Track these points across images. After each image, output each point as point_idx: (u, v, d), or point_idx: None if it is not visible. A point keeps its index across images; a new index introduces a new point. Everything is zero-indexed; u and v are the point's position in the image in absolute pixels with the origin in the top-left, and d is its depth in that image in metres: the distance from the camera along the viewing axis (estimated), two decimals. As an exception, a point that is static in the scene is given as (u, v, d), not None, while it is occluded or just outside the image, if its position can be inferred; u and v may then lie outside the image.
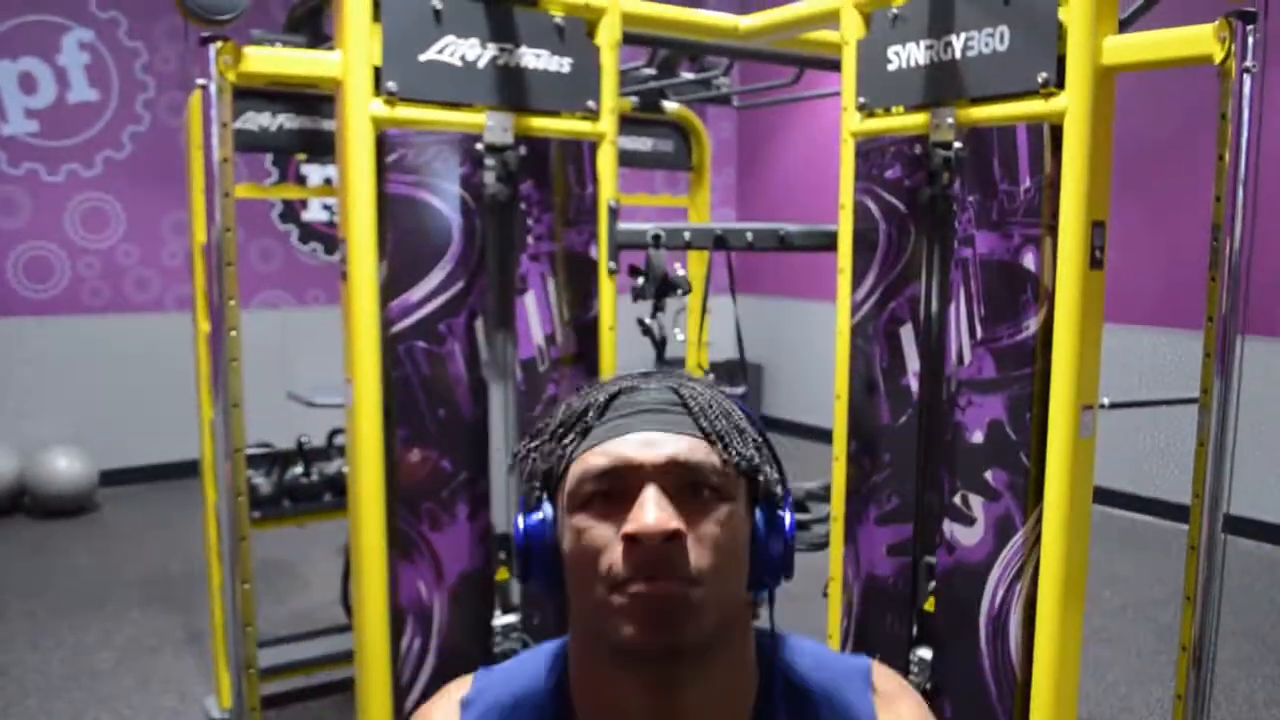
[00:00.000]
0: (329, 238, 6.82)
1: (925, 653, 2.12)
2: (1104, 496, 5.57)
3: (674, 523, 0.79)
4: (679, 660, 0.82)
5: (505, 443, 2.24)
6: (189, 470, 4.05)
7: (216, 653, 3.37)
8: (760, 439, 0.90)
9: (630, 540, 0.79)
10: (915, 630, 2.16)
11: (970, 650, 2.03)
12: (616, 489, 0.82)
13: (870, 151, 2.18)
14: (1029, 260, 1.90)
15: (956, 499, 2.04)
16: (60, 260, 6.14)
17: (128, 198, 6.29)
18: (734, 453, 0.85)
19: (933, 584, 2.12)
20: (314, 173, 6.63)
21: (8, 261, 6.01)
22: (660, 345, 2.40)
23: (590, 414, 0.87)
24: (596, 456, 0.84)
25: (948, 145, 2.00)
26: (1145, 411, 5.61)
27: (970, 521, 2.02)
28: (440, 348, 2.13)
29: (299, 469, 3.35)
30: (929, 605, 2.13)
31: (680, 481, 0.82)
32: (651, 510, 0.79)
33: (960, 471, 2.03)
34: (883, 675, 0.96)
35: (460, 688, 0.95)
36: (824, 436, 2.37)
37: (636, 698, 0.84)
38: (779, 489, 0.89)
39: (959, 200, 2.00)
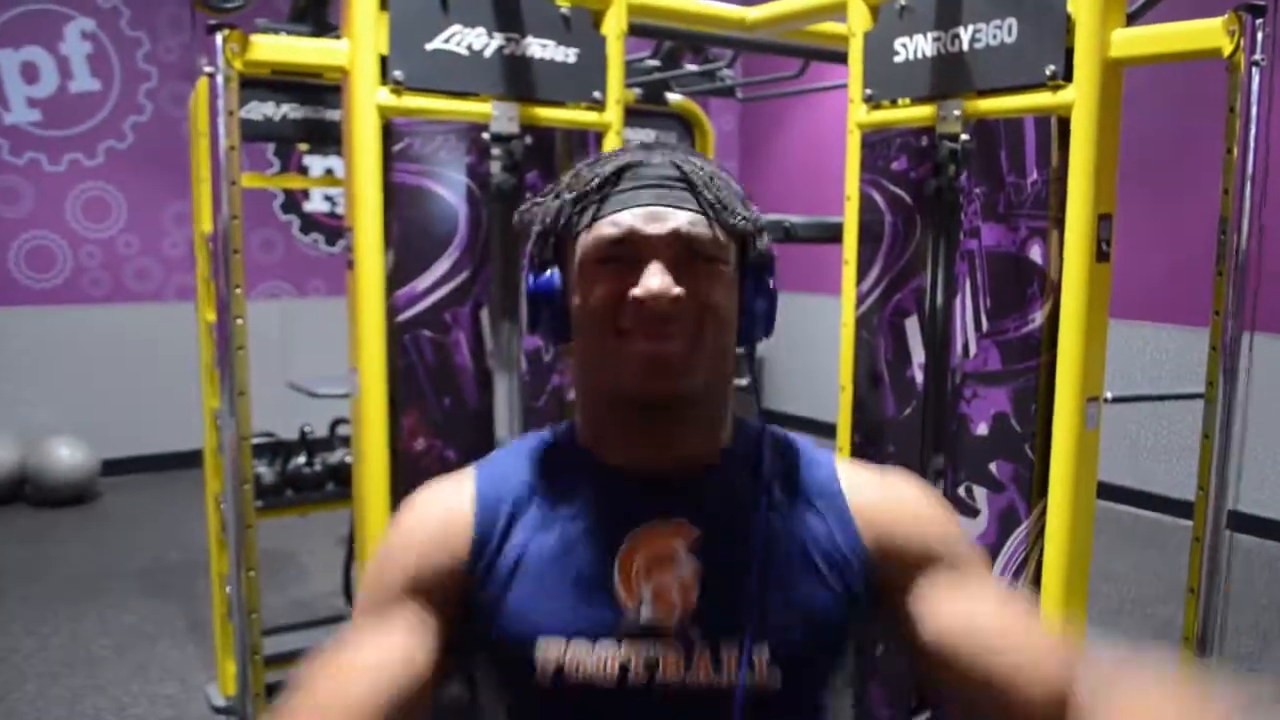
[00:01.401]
0: (330, 228, 6.82)
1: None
2: (1103, 491, 5.55)
3: (675, 289, 0.91)
4: (675, 404, 0.95)
5: (510, 433, 2.24)
6: (190, 460, 4.05)
7: (217, 640, 3.38)
8: (752, 210, 0.99)
9: (637, 301, 0.91)
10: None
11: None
12: (625, 255, 0.92)
13: (876, 143, 2.18)
14: (1035, 253, 1.90)
15: (960, 491, 2.04)
16: (62, 250, 6.14)
17: (129, 188, 6.28)
18: (730, 223, 0.95)
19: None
20: (316, 163, 6.62)
21: (9, 251, 6.01)
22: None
23: (599, 184, 0.95)
24: (606, 226, 0.93)
25: (954, 137, 1.99)
26: (1145, 407, 5.62)
27: (974, 513, 2.02)
28: (446, 337, 2.13)
29: (301, 459, 3.36)
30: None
31: (682, 251, 0.93)
32: (657, 277, 0.90)
33: (964, 463, 2.03)
34: (846, 468, 1.06)
35: (459, 471, 1.06)
36: (828, 431, 2.37)
37: (635, 429, 0.97)
38: (766, 255, 0.99)
39: (965, 192, 2.00)
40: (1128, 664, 0.85)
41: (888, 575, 0.98)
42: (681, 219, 0.93)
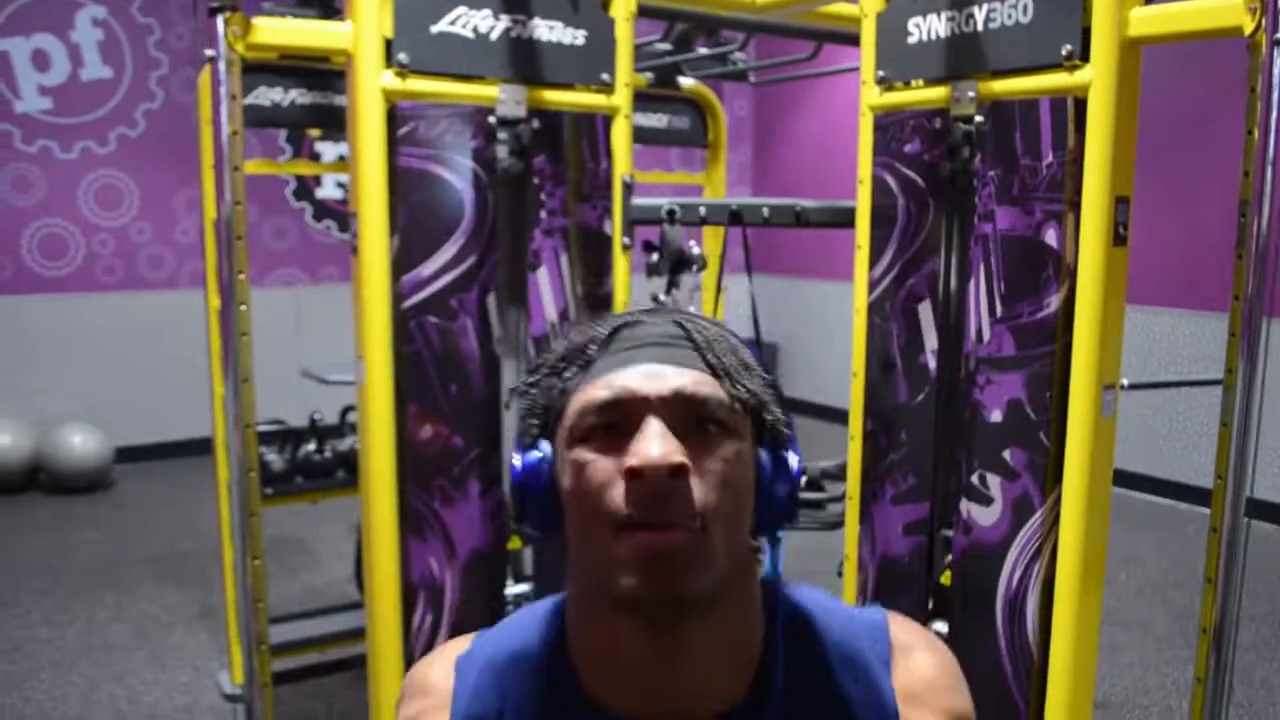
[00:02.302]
0: (343, 215, 6.81)
1: (941, 626, 2.10)
2: (1120, 478, 5.51)
3: (678, 456, 0.75)
4: (684, 610, 0.78)
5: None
6: (204, 447, 4.07)
7: (230, 628, 3.38)
8: (767, 377, 0.87)
9: (633, 475, 0.75)
10: (931, 604, 2.14)
11: (987, 631, 2.01)
12: (619, 422, 0.79)
13: (889, 126, 2.14)
14: (1050, 236, 1.86)
15: (974, 478, 2.01)
16: (74, 238, 6.15)
17: (141, 175, 6.29)
18: (741, 388, 0.82)
19: (949, 558, 2.09)
20: (328, 150, 6.62)
21: (22, 239, 6.02)
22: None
23: (592, 347, 0.84)
24: (598, 389, 0.80)
25: (969, 119, 1.96)
26: (1162, 393, 5.57)
27: (988, 501, 1.99)
28: (452, 323, 2.11)
29: (311, 446, 3.35)
30: (945, 579, 2.11)
31: (685, 416, 0.79)
32: (655, 443, 0.75)
33: (978, 451, 2.00)
34: (900, 626, 0.92)
35: (458, 646, 0.92)
36: (841, 417, 2.35)
37: (638, 647, 0.80)
38: (785, 429, 0.85)
39: (979, 175, 1.97)
40: None
41: None
42: (686, 378, 0.80)
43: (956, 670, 0.92)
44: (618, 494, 0.76)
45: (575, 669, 0.85)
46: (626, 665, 0.82)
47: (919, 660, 0.89)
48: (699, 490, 0.77)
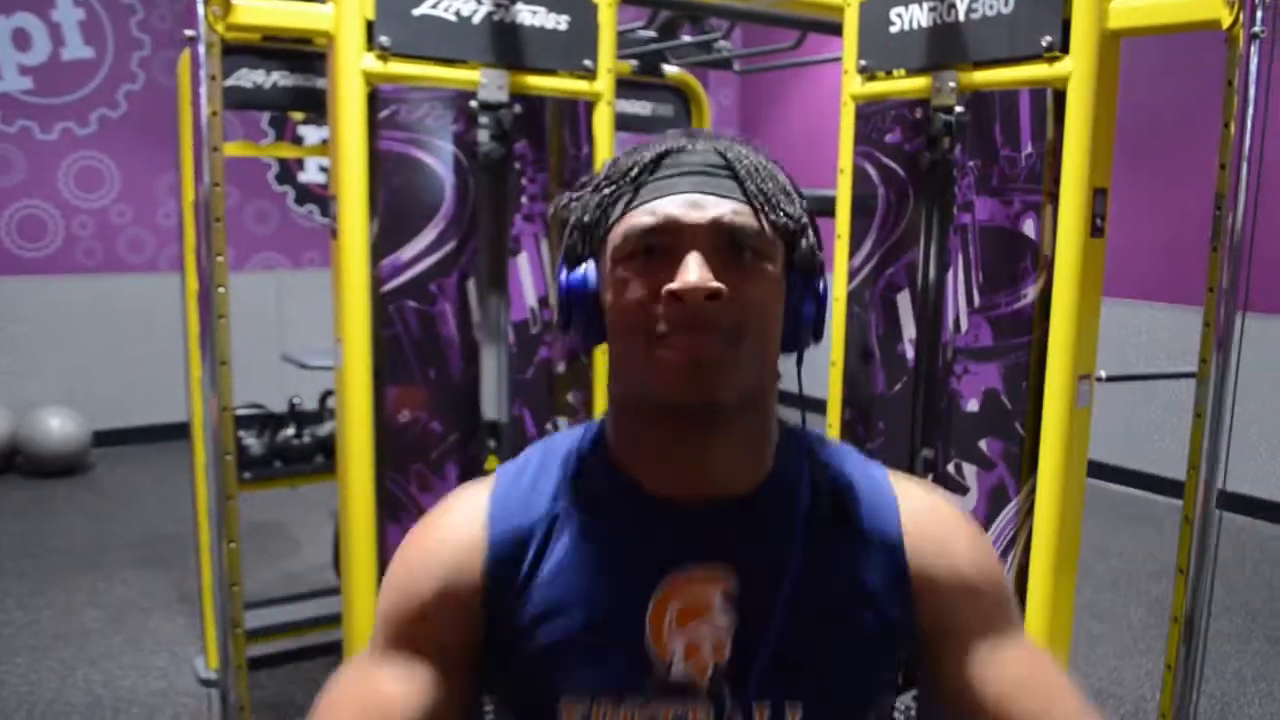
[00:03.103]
0: (325, 200, 6.77)
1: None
2: (1097, 470, 5.57)
3: (715, 283, 0.82)
4: (713, 413, 0.86)
5: (496, 405, 2.22)
6: (183, 432, 4.05)
7: (206, 612, 3.37)
8: (802, 205, 0.91)
9: (673, 297, 0.82)
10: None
11: (961, 620, 2.02)
12: (661, 246, 0.85)
13: (870, 115, 2.15)
14: (1029, 227, 1.87)
15: (950, 467, 2.02)
16: (54, 219, 6.10)
17: (122, 157, 6.23)
18: (780, 214, 0.87)
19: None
20: (311, 134, 6.57)
21: (1, 220, 5.97)
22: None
23: (637, 171, 0.88)
24: (643, 215, 0.86)
25: (949, 109, 1.96)
26: (1140, 386, 5.60)
27: (964, 490, 2.00)
28: (431, 308, 2.11)
29: (290, 430, 3.34)
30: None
31: (723, 243, 0.85)
32: (695, 270, 0.82)
33: (955, 440, 2.02)
34: (897, 476, 1.00)
35: (483, 481, 0.99)
36: (821, 409, 2.35)
37: (671, 443, 0.89)
38: (817, 254, 0.91)
39: (959, 165, 1.97)
40: None
41: (934, 638, 0.93)
42: (725, 208, 0.85)
43: (964, 512, 1.01)
44: (657, 310, 0.84)
45: (614, 462, 0.93)
46: (662, 459, 0.90)
47: (920, 491, 1.00)
48: (733, 311, 0.84)
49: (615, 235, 0.87)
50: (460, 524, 0.93)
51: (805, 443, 0.97)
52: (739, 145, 0.91)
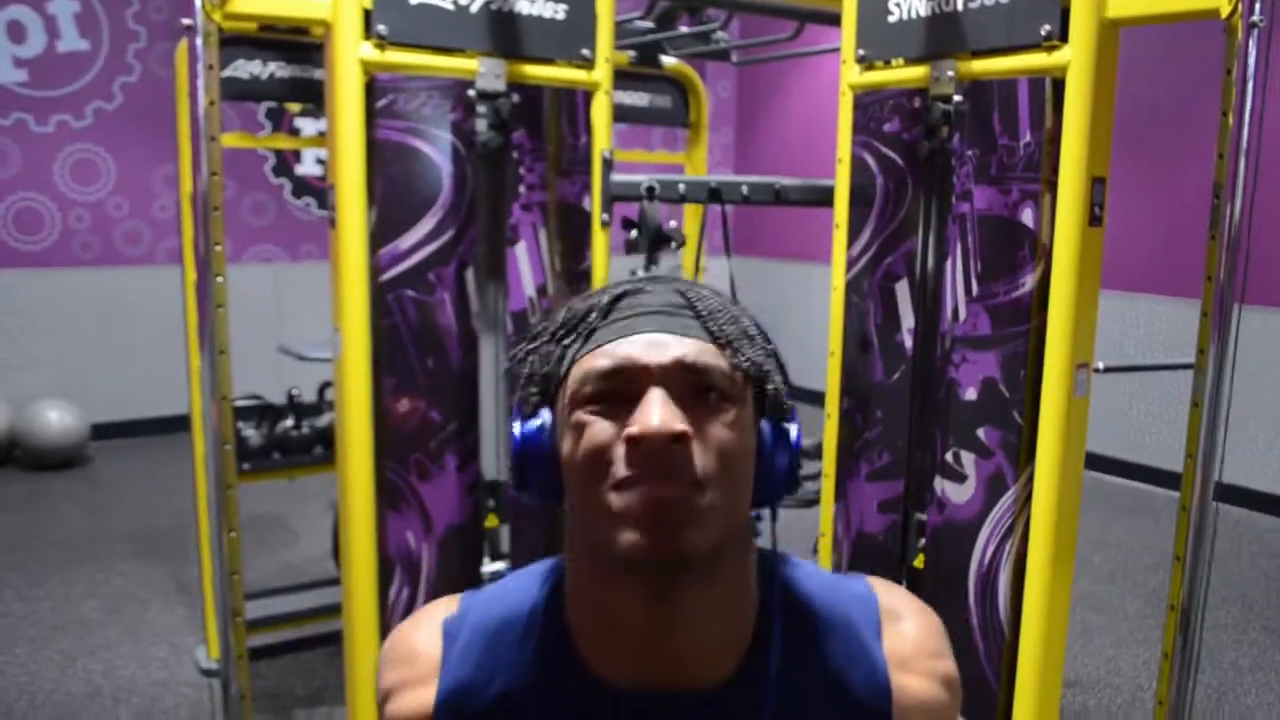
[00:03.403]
0: (322, 192, 6.77)
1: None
2: (1096, 462, 5.58)
3: (679, 424, 0.76)
4: (681, 570, 0.78)
5: (495, 394, 2.23)
6: (180, 424, 4.05)
7: (206, 602, 3.37)
8: (769, 347, 0.87)
9: (634, 441, 0.76)
10: (904, 586, 2.15)
11: (959, 608, 2.02)
12: (620, 391, 0.79)
13: (869, 105, 2.15)
14: (1027, 216, 1.88)
15: (948, 456, 2.03)
16: (50, 212, 6.09)
17: (118, 149, 6.22)
18: (743, 357, 0.82)
19: (923, 541, 2.11)
20: (308, 126, 6.57)
21: (-3, 212, 5.97)
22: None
23: (593, 315, 0.84)
24: (600, 358, 0.80)
25: (948, 99, 1.96)
26: (1138, 378, 5.62)
27: (962, 479, 2.01)
28: (430, 297, 2.11)
29: (289, 422, 3.34)
30: (918, 562, 2.13)
31: (686, 384, 0.79)
32: (656, 411, 0.76)
33: (953, 429, 2.02)
34: (885, 592, 0.93)
35: (446, 608, 0.92)
36: (820, 400, 2.36)
37: (635, 609, 0.81)
38: (786, 400, 0.86)
39: (958, 155, 1.98)
40: None
41: None
42: (688, 347, 0.80)
43: (943, 633, 0.93)
44: (619, 456, 0.77)
45: (571, 637, 0.85)
46: (623, 632, 0.82)
47: (907, 626, 0.91)
48: (699, 456, 0.77)
49: (571, 381, 0.81)
50: (406, 687, 0.89)
51: (779, 594, 0.88)
52: (700, 286, 0.87)
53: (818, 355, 2.46)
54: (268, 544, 4.52)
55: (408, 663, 0.89)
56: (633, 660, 0.82)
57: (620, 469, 0.77)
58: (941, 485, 2.04)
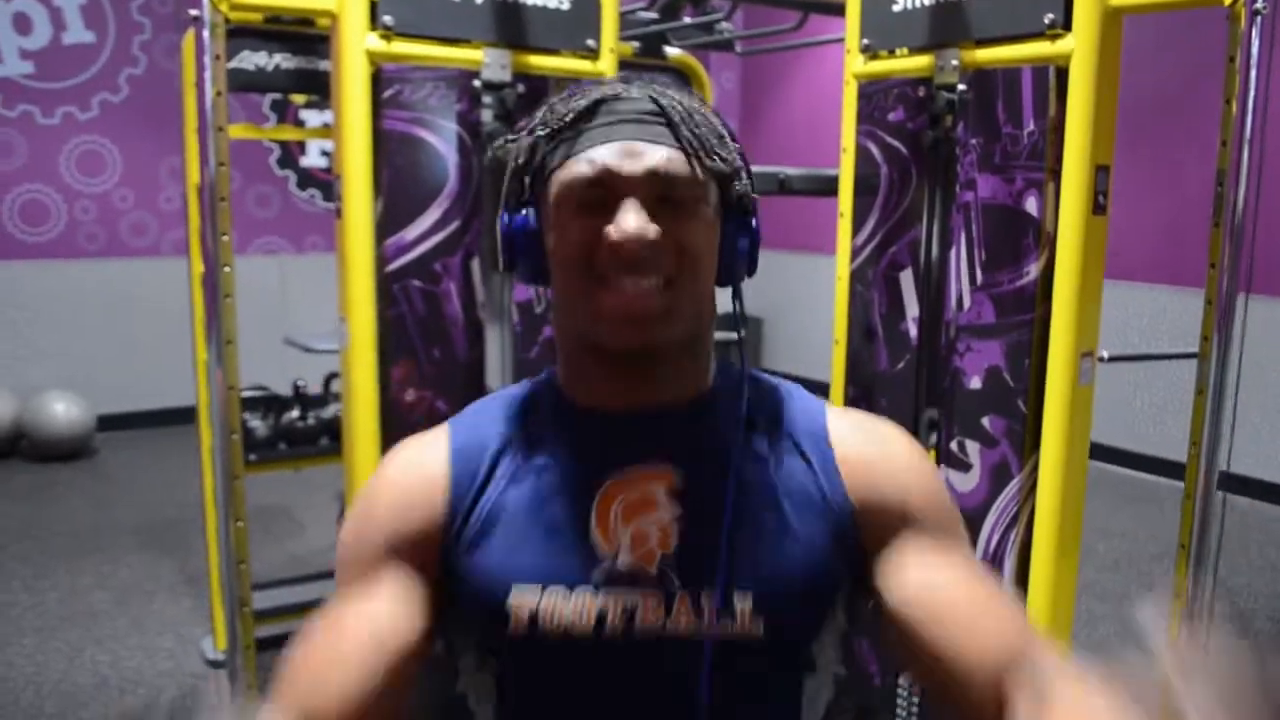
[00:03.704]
0: (327, 184, 6.77)
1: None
2: (1101, 453, 5.58)
3: (652, 231, 0.87)
4: (651, 355, 0.93)
5: (501, 384, 2.23)
6: (186, 416, 4.07)
7: (213, 593, 3.39)
8: (735, 148, 0.95)
9: (613, 245, 0.87)
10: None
11: (963, 596, 2.03)
12: (599, 195, 0.89)
13: (873, 94, 2.15)
14: (1031, 205, 1.88)
15: (953, 445, 2.03)
16: (56, 204, 6.10)
17: (124, 141, 6.23)
18: (715, 158, 0.91)
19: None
20: (313, 118, 6.57)
21: (3, 204, 5.97)
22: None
23: (574, 118, 0.91)
24: (581, 164, 0.89)
25: (951, 88, 1.97)
26: (1144, 368, 5.61)
27: (966, 468, 2.01)
28: (436, 287, 2.12)
29: (295, 413, 3.35)
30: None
31: (658, 190, 0.89)
32: (632, 218, 0.87)
33: (957, 417, 2.02)
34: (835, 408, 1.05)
35: (435, 431, 1.03)
36: (825, 391, 2.36)
37: (614, 376, 0.95)
38: (750, 195, 0.96)
39: (962, 144, 1.98)
40: (1068, 670, 0.85)
41: (867, 530, 0.95)
42: (659, 155, 0.89)
43: (897, 431, 1.03)
44: (599, 253, 0.88)
45: (564, 390, 1.00)
46: (605, 386, 0.96)
47: (852, 412, 1.05)
48: (669, 251, 0.89)
49: (555, 182, 0.91)
50: (423, 454, 0.99)
51: (744, 369, 1.01)
52: (673, 91, 0.94)
53: (823, 346, 2.47)
54: (274, 535, 4.53)
55: (414, 443, 1.01)
56: (615, 398, 0.96)
57: (600, 264, 0.88)
58: (946, 474, 2.05)
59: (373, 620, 0.91)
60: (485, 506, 0.94)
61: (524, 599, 0.90)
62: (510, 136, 0.99)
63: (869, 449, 0.98)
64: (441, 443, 0.99)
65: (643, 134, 0.90)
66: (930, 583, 0.91)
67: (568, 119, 0.91)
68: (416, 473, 0.97)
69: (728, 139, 0.95)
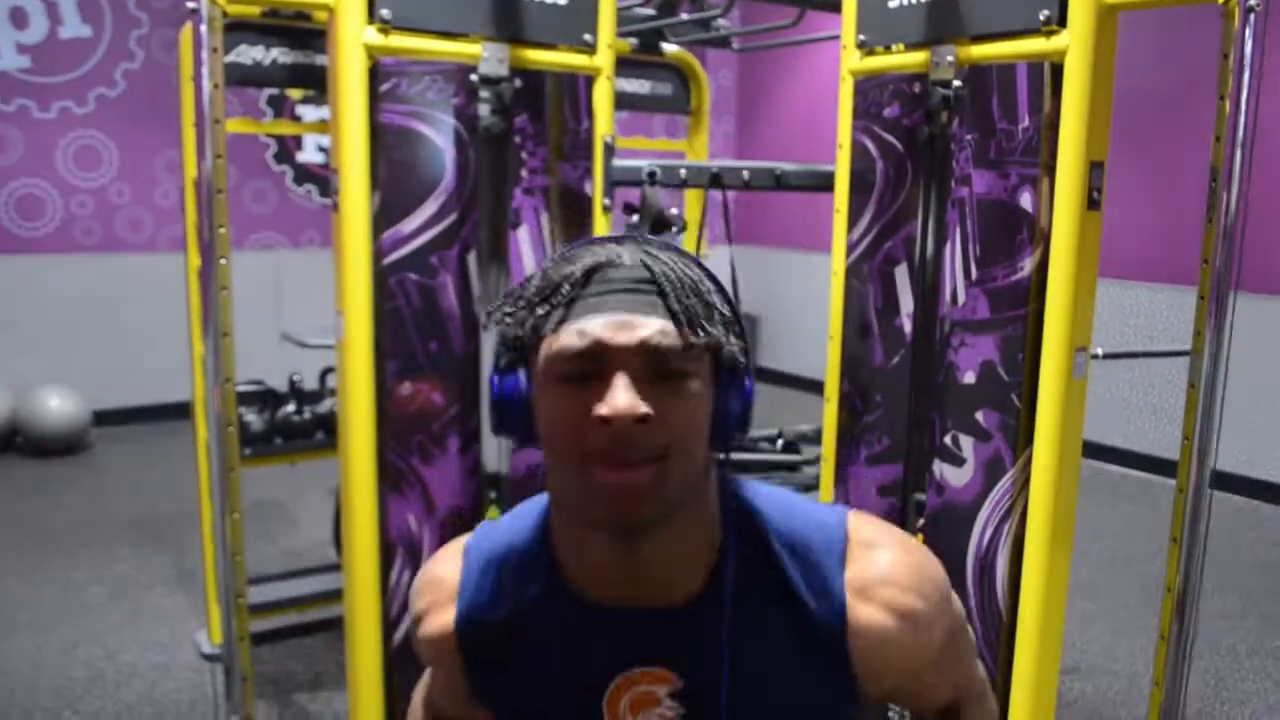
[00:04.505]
0: (323, 180, 6.78)
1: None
2: (1094, 451, 5.60)
3: (642, 408, 0.85)
4: (644, 530, 0.91)
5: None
6: (182, 412, 4.07)
7: (208, 587, 3.39)
8: (726, 310, 0.95)
9: (602, 421, 0.86)
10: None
11: (957, 590, 2.04)
12: (589, 367, 0.88)
13: (869, 90, 2.15)
14: (1025, 200, 1.89)
15: (947, 439, 2.04)
16: (52, 198, 6.10)
17: (120, 136, 6.23)
18: (701, 332, 0.90)
19: (921, 521, 2.12)
20: (309, 114, 6.57)
21: (-1, 199, 5.97)
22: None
23: (566, 288, 0.90)
24: (571, 336, 0.88)
25: (947, 84, 1.97)
26: (1138, 367, 5.63)
27: (960, 462, 2.02)
28: (432, 280, 2.12)
29: (291, 407, 3.35)
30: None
31: (649, 363, 0.87)
32: (621, 395, 0.85)
33: (951, 412, 2.03)
34: (863, 523, 1.00)
35: (464, 540, 1.08)
36: (821, 389, 2.37)
37: (605, 553, 0.94)
38: (741, 359, 0.94)
39: (957, 139, 1.99)
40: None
41: (870, 690, 0.99)
42: (652, 328, 0.88)
43: (924, 571, 0.99)
44: (588, 432, 0.87)
45: (558, 565, 0.99)
46: (597, 566, 0.95)
47: (881, 556, 0.98)
48: (660, 430, 0.87)
49: (545, 352, 0.90)
50: (435, 628, 1.05)
51: (731, 563, 0.97)
52: (664, 255, 0.93)
53: (818, 343, 2.48)
54: (268, 531, 4.54)
55: (434, 589, 1.06)
56: (608, 586, 0.96)
57: (590, 445, 0.87)
58: (940, 468, 2.06)
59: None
60: (501, 694, 1.03)
61: None
62: (503, 302, 0.96)
63: (888, 650, 0.96)
64: (448, 616, 1.04)
65: (634, 305, 0.89)
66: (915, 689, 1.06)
67: (561, 289, 0.90)
68: (436, 649, 1.06)
69: (718, 306, 0.93)
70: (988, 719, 1.16)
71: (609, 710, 0.97)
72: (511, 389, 0.94)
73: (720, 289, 0.96)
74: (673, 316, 0.89)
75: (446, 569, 1.06)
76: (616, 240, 0.95)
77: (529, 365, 0.94)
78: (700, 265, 0.96)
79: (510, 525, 1.06)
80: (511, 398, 0.94)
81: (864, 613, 0.95)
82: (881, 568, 0.97)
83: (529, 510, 1.06)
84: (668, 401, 0.87)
